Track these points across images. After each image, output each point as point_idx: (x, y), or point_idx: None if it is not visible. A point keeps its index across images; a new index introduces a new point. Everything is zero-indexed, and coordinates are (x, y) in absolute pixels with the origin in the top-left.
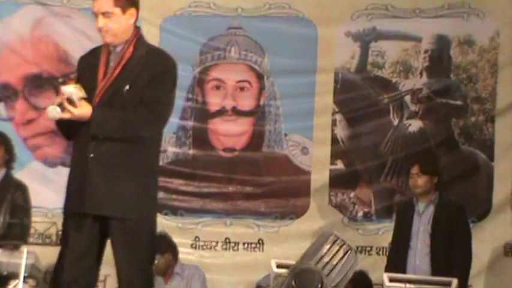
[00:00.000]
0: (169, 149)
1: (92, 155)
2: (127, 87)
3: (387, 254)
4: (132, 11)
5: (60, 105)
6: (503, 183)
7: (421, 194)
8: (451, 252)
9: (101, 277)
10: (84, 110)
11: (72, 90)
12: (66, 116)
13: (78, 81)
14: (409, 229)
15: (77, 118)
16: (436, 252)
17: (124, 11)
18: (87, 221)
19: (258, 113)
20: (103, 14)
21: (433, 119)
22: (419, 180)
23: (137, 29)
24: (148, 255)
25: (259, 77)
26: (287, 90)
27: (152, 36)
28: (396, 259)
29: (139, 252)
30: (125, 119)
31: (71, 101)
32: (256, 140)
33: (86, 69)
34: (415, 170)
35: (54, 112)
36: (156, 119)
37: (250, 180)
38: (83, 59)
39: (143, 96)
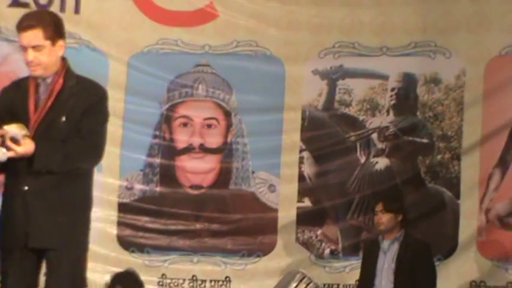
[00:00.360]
0: (136, 186)
1: (27, 188)
2: (63, 118)
3: None
4: (61, 42)
5: (3, 144)
6: (469, 221)
7: (385, 232)
8: None
9: None
10: (28, 147)
11: (15, 130)
12: (12, 155)
13: (3, 114)
14: (374, 267)
15: (21, 156)
16: None
17: (54, 43)
18: (27, 255)
19: (225, 151)
20: (33, 47)
21: (399, 157)
22: (383, 218)
23: (64, 60)
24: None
25: (227, 114)
26: (254, 127)
27: (119, 73)
28: None
29: (75, 282)
30: (66, 152)
31: (15, 140)
32: (223, 177)
33: (14, 102)
34: (379, 207)
35: (0, 154)
36: (96, 151)
37: (217, 217)
38: (7, 92)
39: (80, 128)
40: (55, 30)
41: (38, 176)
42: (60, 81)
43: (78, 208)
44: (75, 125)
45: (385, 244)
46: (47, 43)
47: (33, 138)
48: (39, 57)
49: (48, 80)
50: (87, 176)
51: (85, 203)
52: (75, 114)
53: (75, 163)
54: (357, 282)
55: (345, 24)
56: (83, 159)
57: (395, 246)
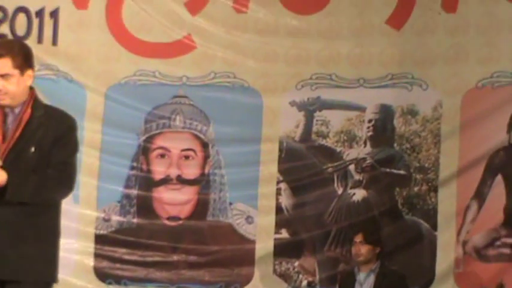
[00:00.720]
0: (114, 217)
1: None
2: (32, 149)
3: None
4: (30, 72)
5: None
6: (446, 253)
7: (363, 263)
8: None
9: None
10: (0, 178)
11: None
12: None
13: None
14: None
15: None
16: None
17: (22, 73)
18: None
19: (202, 182)
20: (2, 76)
21: (376, 189)
22: (362, 249)
23: (32, 89)
24: None
25: (204, 145)
26: (232, 158)
27: (97, 104)
28: None
29: None
30: (38, 184)
31: None
32: (200, 208)
33: None
34: (358, 238)
35: None
36: (67, 182)
37: (194, 249)
38: None
39: (51, 160)
40: (24, 59)
41: (6, 205)
42: (29, 111)
43: (46, 238)
44: (44, 156)
45: (361, 276)
46: (16, 72)
47: (2, 168)
48: (7, 86)
49: (17, 110)
50: (56, 206)
51: (53, 234)
52: (44, 145)
53: (47, 195)
54: None
55: (322, 56)
56: (54, 191)
57: (372, 278)
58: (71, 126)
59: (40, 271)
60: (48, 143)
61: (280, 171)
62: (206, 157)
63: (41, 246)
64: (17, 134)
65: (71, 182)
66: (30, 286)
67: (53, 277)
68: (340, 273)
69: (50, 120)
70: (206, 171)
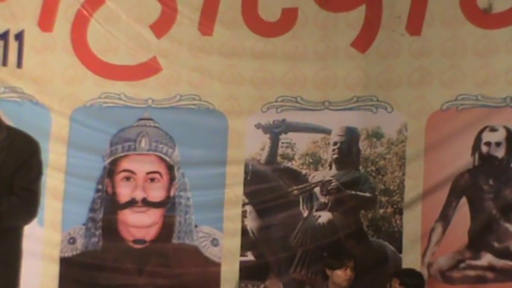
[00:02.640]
0: (79, 240)
1: None
2: None
3: None
4: None
5: None
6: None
7: None
8: None
9: None
10: None
11: None
12: None
13: None
14: None
15: None
16: None
17: None
18: None
19: (168, 204)
20: None
21: (342, 211)
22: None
23: None
24: None
25: (170, 168)
26: (197, 181)
27: (62, 127)
28: None
29: None
30: (3, 212)
31: None
32: (166, 231)
33: None
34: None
35: None
36: (31, 210)
37: (160, 271)
38: None
39: (14, 185)
40: None
41: None
42: None
43: (8, 263)
44: (6, 181)
45: None
46: None
47: None
48: None
49: None
50: (17, 230)
51: (14, 258)
52: (6, 170)
53: (10, 222)
54: None
55: (287, 79)
56: (18, 219)
57: None
58: (34, 150)
59: None
60: (10, 168)
61: (245, 193)
62: (171, 180)
63: (1, 271)
64: None
65: (34, 209)
66: None
67: None
68: None
69: (12, 145)
70: (172, 193)
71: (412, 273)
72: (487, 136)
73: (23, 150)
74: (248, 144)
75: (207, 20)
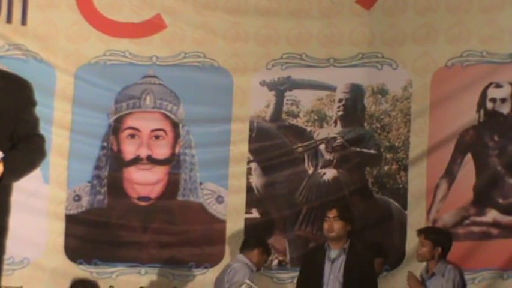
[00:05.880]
0: (84, 197)
1: None
2: None
3: None
4: None
5: None
6: (416, 231)
7: (334, 240)
8: None
9: None
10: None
11: None
12: None
13: None
14: (320, 276)
15: None
16: None
17: None
18: None
19: (173, 162)
20: None
21: (347, 168)
22: (335, 225)
23: None
24: None
25: (175, 125)
26: (202, 138)
27: (66, 84)
28: None
29: None
30: (29, 160)
31: None
32: (171, 188)
33: None
34: (332, 213)
35: None
36: (44, 152)
37: (165, 229)
38: None
39: (21, 130)
40: None
41: None
42: None
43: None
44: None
45: (332, 253)
46: None
47: None
48: None
49: None
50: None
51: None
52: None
53: (36, 165)
54: None
55: (292, 36)
56: (37, 165)
57: (343, 257)
58: (30, 92)
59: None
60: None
61: (250, 151)
62: (176, 137)
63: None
64: None
65: (45, 152)
66: None
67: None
68: (307, 250)
69: (9, 87)
70: (176, 151)
71: (439, 230)
72: (492, 92)
73: (22, 92)
74: (253, 102)
75: None
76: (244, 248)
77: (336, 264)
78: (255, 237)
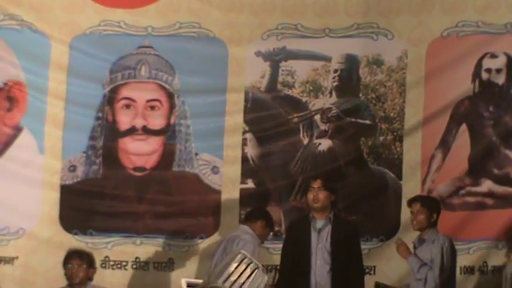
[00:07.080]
0: (79, 168)
1: None
2: None
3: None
4: None
5: None
6: (407, 201)
7: (319, 210)
8: (350, 271)
9: None
10: None
11: None
12: None
13: None
14: (308, 246)
15: None
16: (336, 270)
17: None
18: None
19: (168, 132)
20: None
21: (342, 138)
22: (320, 195)
23: None
24: None
25: (170, 96)
26: (197, 109)
27: (61, 54)
28: (295, 277)
29: None
30: None
31: None
32: (166, 159)
33: None
34: (317, 184)
35: None
36: None
37: (160, 199)
38: None
39: None
40: None
41: None
42: None
43: None
44: None
45: (318, 223)
46: None
47: None
48: None
49: None
50: None
51: None
52: None
53: None
54: (287, 263)
55: (287, 6)
56: None
57: (329, 227)
58: None
59: None
60: None
61: (245, 121)
62: (172, 107)
63: None
64: None
65: None
66: None
67: None
68: (291, 222)
69: None
70: (172, 121)
71: (432, 198)
72: (487, 63)
73: None
74: (248, 72)
75: None
76: (247, 219)
77: (323, 233)
78: (259, 209)
